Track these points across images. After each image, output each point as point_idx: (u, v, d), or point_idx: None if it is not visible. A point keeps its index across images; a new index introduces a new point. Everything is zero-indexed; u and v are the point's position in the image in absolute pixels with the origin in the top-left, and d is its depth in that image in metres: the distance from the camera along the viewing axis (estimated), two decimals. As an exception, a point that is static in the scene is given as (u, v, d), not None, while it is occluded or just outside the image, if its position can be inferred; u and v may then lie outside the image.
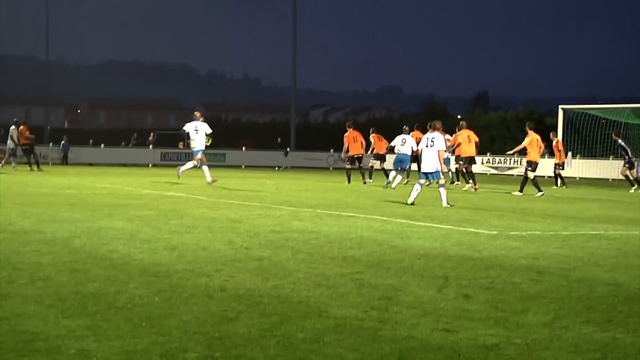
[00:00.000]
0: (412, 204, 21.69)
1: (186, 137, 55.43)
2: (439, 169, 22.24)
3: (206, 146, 29.96)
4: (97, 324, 7.19)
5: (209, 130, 30.16)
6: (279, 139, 67.32)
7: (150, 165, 57.18)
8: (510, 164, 57.10)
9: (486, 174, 53.06)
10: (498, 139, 68.39)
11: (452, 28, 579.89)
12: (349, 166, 35.14)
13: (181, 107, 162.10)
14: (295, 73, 69.43)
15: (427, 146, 22.47)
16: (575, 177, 47.64)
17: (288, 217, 17.55)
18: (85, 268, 10.00)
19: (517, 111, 72.28)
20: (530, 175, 29.38)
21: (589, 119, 44.90)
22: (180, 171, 30.22)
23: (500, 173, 56.21)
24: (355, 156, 34.86)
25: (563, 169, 38.06)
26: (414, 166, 33.91)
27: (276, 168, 58.68)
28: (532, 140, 29.79)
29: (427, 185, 23.63)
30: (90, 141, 68.21)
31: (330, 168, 60.79)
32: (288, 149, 65.48)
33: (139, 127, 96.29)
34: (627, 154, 34.52)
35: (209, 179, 29.68)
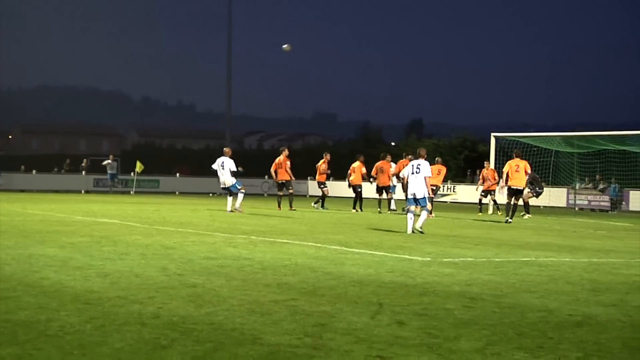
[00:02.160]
0: (418, 231, 22.16)
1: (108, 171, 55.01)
2: (426, 195, 22.53)
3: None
4: (28, 353, 7.09)
5: (233, 168, 31.61)
6: (213, 166, 67.06)
7: (83, 191, 56.61)
8: (443, 191, 57.54)
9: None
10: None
11: (385, 55, 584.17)
12: (280, 193, 35.38)
13: (115, 133, 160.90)
14: (230, 99, 69.34)
15: (412, 173, 22.77)
16: (501, 204, 48.12)
17: (222, 243, 17.50)
18: (15, 296, 9.87)
19: (450, 138, 73.00)
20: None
21: (521, 147, 45.47)
22: (239, 207, 31.08)
23: (435, 200, 56.47)
24: (280, 182, 35.13)
25: (486, 196, 38.48)
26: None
27: (210, 194, 58.38)
28: (509, 167, 30.52)
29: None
30: (22, 167, 67.39)
31: (265, 194, 60.71)
32: (223, 176, 65.10)
33: (71, 153, 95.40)
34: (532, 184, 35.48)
35: (237, 205, 31.13)
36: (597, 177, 49.27)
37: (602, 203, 48.34)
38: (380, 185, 36.46)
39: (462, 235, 22.73)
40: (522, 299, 10.82)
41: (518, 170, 30.32)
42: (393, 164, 36.87)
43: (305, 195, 59.68)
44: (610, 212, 46.67)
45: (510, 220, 29.77)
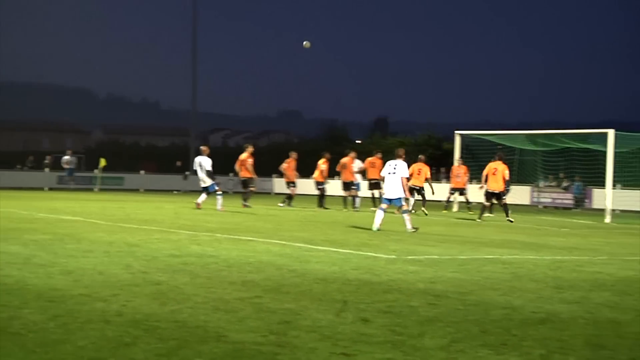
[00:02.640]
0: (411, 232, 22.18)
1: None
2: (402, 195, 22.61)
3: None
4: (-11, 351, 7.03)
5: (208, 167, 31.65)
6: (178, 163, 66.84)
7: (46, 188, 56.18)
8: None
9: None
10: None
11: (351, 54, 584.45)
12: (244, 190, 35.44)
13: (79, 130, 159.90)
14: (196, 96, 69.13)
15: (389, 173, 22.84)
16: (472, 202, 48.35)
17: (187, 241, 17.44)
18: (-23, 293, 9.78)
19: (415, 136, 73.15)
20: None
21: (485, 145, 45.64)
22: (220, 208, 31.13)
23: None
24: (242, 179, 35.31)
25: (453, 193, 38.64)
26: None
27: (174, 192, 58.14)
28: (488, 169, 30.56)
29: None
30: (-16, 164, 66.75)
31: (230, 192, 60.55)
32: (187, 173, 64.94)
33: (35, 150, 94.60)
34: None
35: (219, 207, 31.05)
36: (561, 175, 49.56)
37: (566, 201, 48.67)
38: (344, 181, 36.48)
39: (427, 232, 22.77)
40: (486, 297, 10.86)
41: (495, 174, 30.37)
42: (358, 161, 36.89)
43: (269, 193, 59.62)
44: (573, 209, 46.97)
45: (510, 220, 29.58)
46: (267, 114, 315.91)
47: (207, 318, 8.71)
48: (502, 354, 7.53)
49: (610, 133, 34.78)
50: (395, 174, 22.63)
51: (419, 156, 36.91)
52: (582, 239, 22.90)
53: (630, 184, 40.17)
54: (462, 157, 40.16)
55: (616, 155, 35.36)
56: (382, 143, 71.49)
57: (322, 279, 11.98)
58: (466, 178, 38.09)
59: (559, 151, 47.46)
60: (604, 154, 35.24)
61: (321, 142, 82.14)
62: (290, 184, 37.60)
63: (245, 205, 34.06)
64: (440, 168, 59.20)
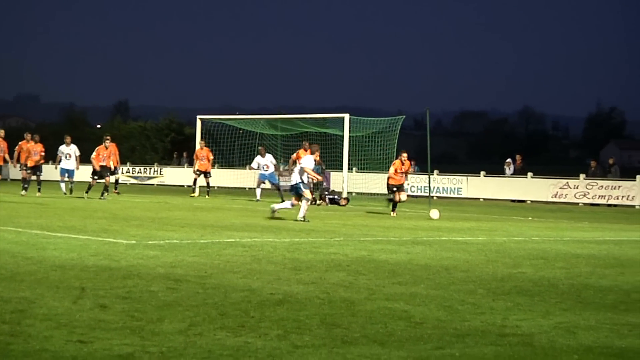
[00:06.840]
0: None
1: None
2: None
3: None
4: None
5: (78, 153, 34.64)
6: None
7: None
8: (150, 173, 57.35)
9: (126, 183, 52.85)
10: (139, 149, 68.51)
11: (86, 35, 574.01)
12: None
13: None
14: None
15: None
16: (214, 187, 48.61)
17: None
18: None
19: (157, 121, 72.77)
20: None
21: (226, 129, 45.94)
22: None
23: (140, 182, 56.28)
24: None
25: (199, 175, 38.47)
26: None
27: None
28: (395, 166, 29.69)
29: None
30: None
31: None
32: None
33: None
34: None
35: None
36: (301, 159, 50.62)
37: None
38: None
39: (168, 217, 22.73)
40: (226, 280, 10.96)
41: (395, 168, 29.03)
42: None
43: (6, 180, 57.58)
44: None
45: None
46: (2, 98, 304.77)
47: None
48: (240, 336, 7.62)
49: (346, 118, 35.91)
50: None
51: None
52: (319, 221, 23.52)
53: (365, 167, 41.53)
54: (204, 140, 40.27)
55: (352, 139, 36.53)
56: (123, 127, 70.74)
57: (59, 266, 11.73)
58: (208, 162, 38.23)
59: (299, 135, 48.45)
60: (341, 137, 36.32)
61: (60, 127, 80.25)
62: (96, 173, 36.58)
63: None
64: (183, 152, 59.21)
